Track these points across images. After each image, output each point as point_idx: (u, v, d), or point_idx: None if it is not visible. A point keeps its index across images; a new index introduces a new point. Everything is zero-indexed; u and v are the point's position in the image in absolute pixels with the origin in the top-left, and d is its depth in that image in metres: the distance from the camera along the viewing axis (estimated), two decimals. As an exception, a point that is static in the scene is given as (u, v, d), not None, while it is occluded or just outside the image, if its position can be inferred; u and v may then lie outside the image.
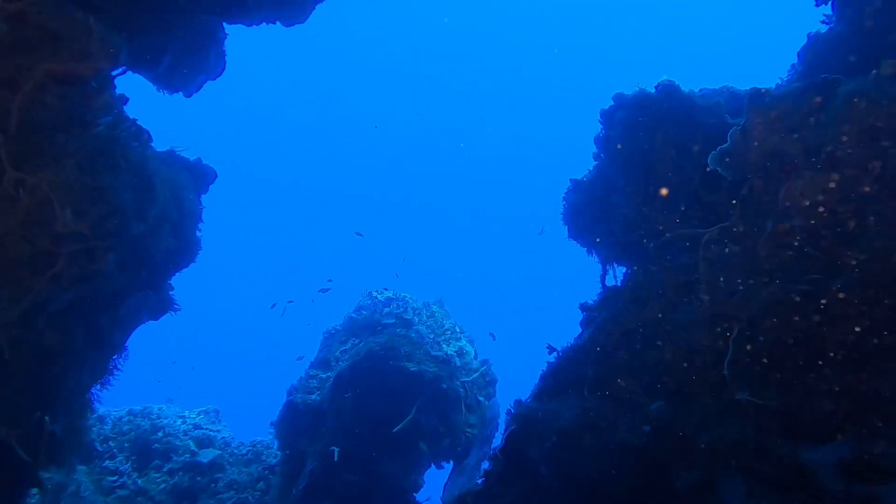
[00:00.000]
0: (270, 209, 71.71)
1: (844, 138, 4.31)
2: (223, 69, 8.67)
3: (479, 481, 6.94)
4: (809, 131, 4.65)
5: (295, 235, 70.53)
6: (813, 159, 4.56)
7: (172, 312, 7.85)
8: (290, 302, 25.72)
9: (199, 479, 12.61)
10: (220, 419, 15.60)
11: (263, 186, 71.07)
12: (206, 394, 24.22)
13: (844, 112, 4.32)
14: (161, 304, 7.73)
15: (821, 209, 4.51)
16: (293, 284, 44.17)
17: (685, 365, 5.31)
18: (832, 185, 4.38)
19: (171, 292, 7.88)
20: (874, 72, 4.50)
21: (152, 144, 6.84)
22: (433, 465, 11.56)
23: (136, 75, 7.90)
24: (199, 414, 15.39)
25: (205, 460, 13.08)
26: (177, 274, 8.04)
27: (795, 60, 6.65)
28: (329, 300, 21.78)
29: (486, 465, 7.10)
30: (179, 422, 14.56)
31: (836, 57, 5.99)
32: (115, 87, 6.29)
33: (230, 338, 62.53)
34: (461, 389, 11.03)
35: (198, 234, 7.95)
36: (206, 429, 14.66)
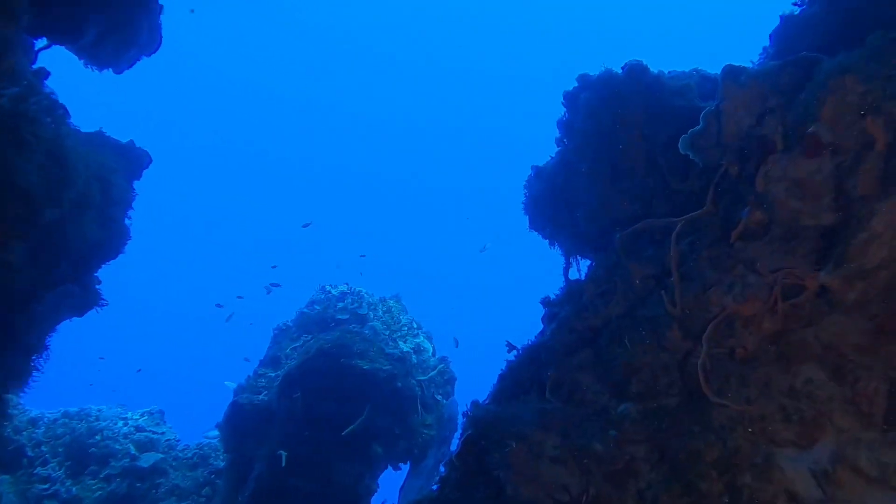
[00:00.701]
0: (220, 197, 69.64)
1: (827, 118, 3.96)
2: (159, 44, 7.97)
3: (435, 487, 6.50)
4: (789, 111, 4.31)
5: (247, 226, 68.80)
6: (793, 141, 4.21)
7: (98, 308, 7.16)
8: (239, 297, 24.76)
9: (138, 484, 11.86)
10: (164, 420, 14.82)
11: (213, 173, 68.91)
12: (153, 393, 23.25)
13: (828, 89, 3.97)
14: (86, 299, 7.04)
15: (800, 195, 4.16)
16: (243, 278, 43.00)
17: (654, 364, 4.94)
18: (813, 168, 4.04)
19: (97, 286, 7.20)
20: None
21: (70, 121, 6.15)
22: (389, 467, 11.09)
23: (72, 54, 7.22)
24: (142, 415, 14.59)
25: (146, 465, 12.33)
26: (105, 266, 7.36)
27: (767, 43, 6.36)
28: (283, 294, 21.06)
29: (443, 468, 6.66)
30: (120, 424, 13.76)
31: (810, 38, 5.69)
32: (26, 56, 5.61)
33: (178, 334, 60.70)
34: (417, 388, 10.55)
35: (127, 222, 7.27)
36: (149, 431, 13.88)
